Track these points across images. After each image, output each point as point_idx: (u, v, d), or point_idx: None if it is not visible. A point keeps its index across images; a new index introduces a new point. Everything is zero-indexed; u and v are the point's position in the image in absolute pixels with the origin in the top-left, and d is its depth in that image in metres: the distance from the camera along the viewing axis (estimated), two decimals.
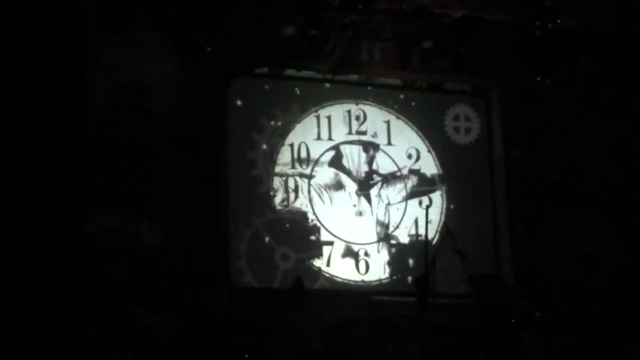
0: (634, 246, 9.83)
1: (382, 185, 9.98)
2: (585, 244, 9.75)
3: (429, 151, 10.21)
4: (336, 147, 9.98)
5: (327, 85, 10.06)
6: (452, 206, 10.08)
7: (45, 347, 7.16)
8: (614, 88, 10.14)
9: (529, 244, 9.85)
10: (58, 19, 8.49)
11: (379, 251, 9.83)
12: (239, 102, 9.66)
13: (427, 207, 9.56)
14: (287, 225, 9.64)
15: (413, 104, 10.27)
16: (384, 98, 10.19)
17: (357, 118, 10.09)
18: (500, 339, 8.27)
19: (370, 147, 10.05)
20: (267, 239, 9.49)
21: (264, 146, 9.72)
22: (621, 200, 9.97)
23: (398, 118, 10.18)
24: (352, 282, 9.70)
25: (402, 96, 10.26)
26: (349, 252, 9.76)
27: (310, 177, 9.82)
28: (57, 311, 7.65)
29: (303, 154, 9.84)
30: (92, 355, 7.45)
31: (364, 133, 10.08)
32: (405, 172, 10.07)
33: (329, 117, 10.01)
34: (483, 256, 9.68)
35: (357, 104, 10.10)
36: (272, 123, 9.79)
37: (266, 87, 9.86)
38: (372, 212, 9.90)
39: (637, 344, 8.81)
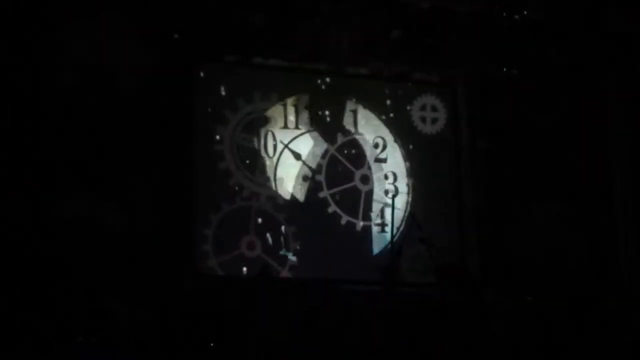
0: (600, 238, 9.93)
1: (348, 175, 10.00)
2: (551, 235, 9.84)
3: (395, 141, 10.23)
4: (303, 136, 9.97)
5: (294, 73, 10.03)
6: (418, 195, 10.11)
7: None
8: (581, 80, 10.23)
9: (495, 234, 9.92)
10: (22, 3, 8.46)
11: (344, 240, 9.84)
12: (205, 90, 9.61)
13: (393, 196, 9.61)
14: (253, 214, 9.62)
15: (380, 93, 10.28)
16: (351, 87, 10.19)
17: None
18: (465, 329, 8.32)
19: (336, 136, 10.06)
20: (233, 227, 9.47)
21: (230, 135, 9.69)
22: (588, 192, 10.06)
23: (365, 107, 10.20)
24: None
25: (369, 85, 10.27)
26: (315, 241, 9.75)
27: (276, 166, 9.80)
28: (22, 298, 7.63)
29: (270, 143, 9.82)
30: None
31: None
32: (371, 161, 10.10)
33: (295, 106, 10.00)
34: (449, 246, 9.76)
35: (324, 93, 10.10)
36: (239, 111, 9.76)
37: (233, 75, 9.80)
38: (338, 201, 9.91)
39: (601, 334, 8.93)
